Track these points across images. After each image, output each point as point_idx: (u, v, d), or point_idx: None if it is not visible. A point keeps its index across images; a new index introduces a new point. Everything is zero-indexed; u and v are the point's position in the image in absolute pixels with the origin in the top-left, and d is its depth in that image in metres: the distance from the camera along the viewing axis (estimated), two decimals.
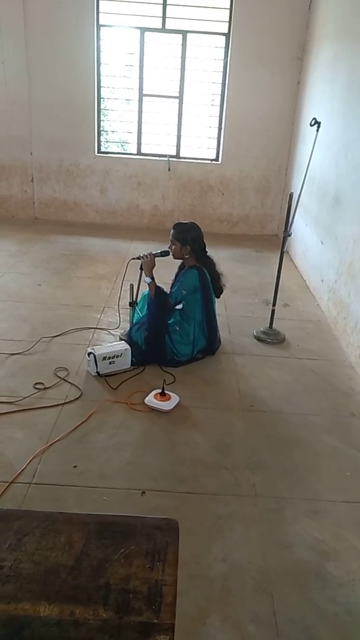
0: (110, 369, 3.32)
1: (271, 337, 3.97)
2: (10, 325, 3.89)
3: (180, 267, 3.68)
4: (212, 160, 6.70)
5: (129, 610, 1.10)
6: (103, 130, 6.69)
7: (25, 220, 6.81)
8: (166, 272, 3.79)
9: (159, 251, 3.53)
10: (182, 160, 6.66)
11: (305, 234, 5.36)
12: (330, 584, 2.00)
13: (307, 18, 5.87)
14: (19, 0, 5.88)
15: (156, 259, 3.50)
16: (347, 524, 2.30)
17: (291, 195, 3.76)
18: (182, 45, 6.12)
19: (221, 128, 6.52)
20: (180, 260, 3.62)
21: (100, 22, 6.08)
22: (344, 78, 4.47)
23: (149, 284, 3.49)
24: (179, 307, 3.53)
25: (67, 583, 1.16)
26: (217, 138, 6.61)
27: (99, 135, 6.64)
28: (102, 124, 6.62)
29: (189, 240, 3.44)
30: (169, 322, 3.52)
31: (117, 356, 3.33)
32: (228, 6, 5.98)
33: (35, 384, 3.16)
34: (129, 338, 3.54)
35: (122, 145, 6.97)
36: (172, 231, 3.49)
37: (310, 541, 2.19)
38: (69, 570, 1.19)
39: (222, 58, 6.22)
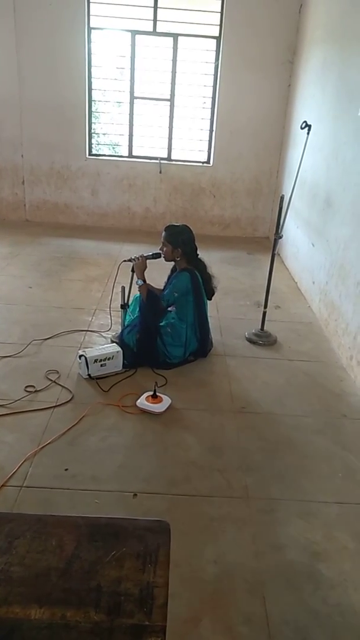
0: (102, 371, 3.31)
1: (263, 339, 3.97)
2: (1, 328, 3.87)
3: (173, 270, 3.68)
4: (203, 162, 6.71)
5: (120, 613, 1.10)
6: (94, 133, 6.69)
7: (16, 222, 6.79)
8: (158, 275, 3.79)
9: (150, 253, 3.53)
10: (173, 162, 6.67)
11: (296, 236, 5.38)
12: (322, 585, 2.00)
13: (298, 22, 5.91)
14: (9, 3, 5.87)
15: (148, 261, 3.51)
16: (339, 525, 2.30)
17: (282, 198, 3.77)
18: (173, 48, 6.14)
19: (212, 130, 6.54)
20: (172, 263, 3.62)
21: (91, 25, 6.09)
22: (333, 81, 4.50)
23: (140, 287, 3.49)
24: (171, 309, 3.53)
25: (58, 586, 1.15)
26: (209, 140, 6.63)
27: (90, 137, 6.64)
28: (93, 126, 6.62)
29: (181, 242, 3.45)
30: (161, 324, 3.52)
31: (109, 358, 3.32)
32: (219, 10, 6.01)
33: (26, 386, 3.14)
34: (121, 340, 3.53)
35: (113, 148, 6.97)
36: (163, 233, 3.49)
37: (303, 542, 2.20)
38: (60, 573, 1.18)
39: (213, 61, 6.25)
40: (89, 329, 3.96)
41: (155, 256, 3.53)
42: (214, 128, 6.49)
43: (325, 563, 2.10)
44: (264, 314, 4.05)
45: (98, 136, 6.79)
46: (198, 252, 3.58)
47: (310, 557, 2.13)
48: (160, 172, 6.62)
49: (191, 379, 3.41)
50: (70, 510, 2.25)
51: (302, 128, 4.07)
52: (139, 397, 3.06)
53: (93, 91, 6.44)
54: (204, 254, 3.68)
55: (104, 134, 6.83)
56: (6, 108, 6.31)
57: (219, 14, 6.03)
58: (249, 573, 2.03)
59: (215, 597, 1.92)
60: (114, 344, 3.53)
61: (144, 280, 3.49)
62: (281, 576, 2.03)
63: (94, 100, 6.52)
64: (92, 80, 6.37)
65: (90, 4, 6.00)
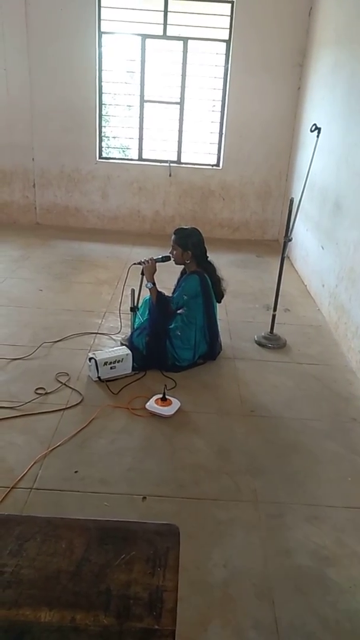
0: (112, 374, 3.32)
1: (272, 342, 3.97)
2: (12, 331, 3.90)
3: (182, 273, 3.69)
4: (212, 165, 6.72)
5: (129, 616, 1.10)
6: (104, 136, 6.72)
7: (26, 225, 6.84)
8: (167, 277, 3.80)
9: (160, 256, 3.54)
10: (183, 165, 6.68)
11: (305, 239, 5.37)
12: (331, 591, 1.99)
13: (308, 24, 5.90)
14: (21, 8, 5.93)
15: (157, 264, 3.52)
16: (348, 530, 2.29)
17: (292, 201, 3.77)
18: (183, 51, 6.15)
19: (222, 134, 6.54)
20: (182, 266, 3.63)
21: (102, 29, 6.12)
22: (344, 84, 4.49)
23: (150, 289, 3.50)
24: (180, 312, 3.54)
25: (68, 589, 1.16)
26: (218, 144, 6.63)
27: (100, 141, 6.67)
28: (103, 129, 6.65)
29: (190, 245, 3.46)
30: (170, 327, 3.53)
31: (118, 361, 3.34)
32: (228, 13, 6.02)
33: (37, 389, 3.16)
34: (130, 343, 3.55)
35: (123, 151, 7.00)
36: (173, 237, 3.50)
37: (311, 547, 2.19)
38: (70, 575, 1.19)
39: (223, 64, 6.25)
40: (99, 332, 3.97)
41: (165, 259, 3.54)
42: (224, 131, 6.49)
43: (334, 568, 2.10)
44: (273, 317, 4.04)
45: (108, 139, 6.82)
46: (207, 254, 3.59)
47: (319, 561, 2.12)
48: (170, 175, 6.64)
49: (200, 382, 3.41)
50: (80, 512, 2.26)
51: (311, 131, 4.06)
52: (149, 399, 3.07)
53: (103, 95, 6.47)
54: (213, 257, 3.68)
55: (114, 137, 6.86)
56: (17, 112, 6.36)
57: (228, 18, 6.04)
58: (257, 577, 2.03)
59: (224, 601, 1.92)
60: (124, 346, 3.54)
61: (154, 283, 3.50)
62: (290, 581, 2.03)
63: (104, 104, 6.55)
64: (103, 83, 6.40)
65: (101, 8, 6.03)
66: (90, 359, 3.31)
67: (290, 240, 3.88)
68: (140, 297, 3.66)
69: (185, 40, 6.11)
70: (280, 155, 6.54)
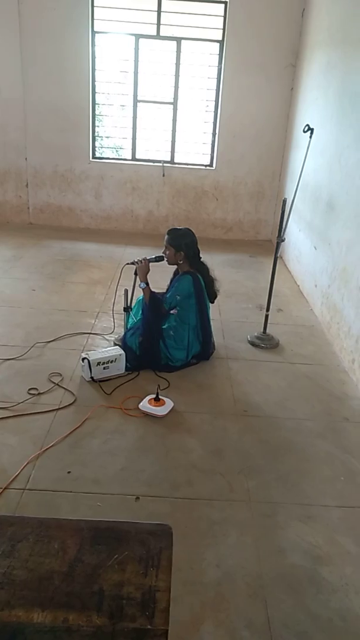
0: (105, 374, 3.32)
1: (265, 342, 3.98)
2: (5, 331, 3.89)
3: (175, 273, 3.69)
4: (206, 166, 6.72)
5: (122, 617, 1.10)
6: (98, 136, 6.71)
7: (19, 225, 6.81)
8: (161, 278, 3.80)
9: (153, 256, 3.54)
10: (176, 165, 6.68)
11: (298, 239, 5.38)
12: (324, 589, 2.00)
13: (301, 25, 5.92)
14: (14, 7, 5.90)
15: (151, 264, 3.52)
16: (341, 529, 2.30)
17: (285, 201, 3.78)
18: (176, 52, 6.15)
19: (215, 134, 6.55)
20: (175, 266, 3.63)
21: (95, 29, 6.11)
22: (337, 84, 4.51)
23: (143, 289, 3.50)
24: (173, 312, 3.54)
25: (61, 589, 1.16)
26: (211, 144, 6.64)
27: (94, 140, 6.66)
28: (96, 129, 6.64)
29: (183, 245, 3.46)
30: (163, 327, 3.53)
31: (112, 361, 3.33)
32: (222, 14, 6.03)
33: (29, 389, 3.15)
34: (123, 343, 3.54)
35: (116, 151, 6.99)
36: (166, 237, 3.50)
37: (304, 546, 2.20)
38: (63, 576, 1.19)
39: (216, 65, 6.26)
40: (92, 332, 3.96)
41: (158, 259, 3.54)
42: (217, 131, 6.50)
43: (326, 567, 2.10)
44: (266, 317, 4.05)
45: (101, 139, 6.80)
46: (201, 255, 3.59)
47: (312, 561, 2.13)
48: (164, 175, 6.64)
49: (193, 382, 3.41)
50: (73, 513, 2.25)
51: (304, 131, 4.08)
52: (142, 400, 3.07)
53: (97, 94, 6.46)
54: (207, 257, 3.68)
55: (107, 137, 6.85)
56: (10, 111, 6.33)
57: (222, 18, 6.04)
58: (250, 577, 2.03)
59: (217, 600, 1.93)
60: (117, 346, 3.54)
61: (147, 283, 3.50)
62: (283, 580, 2.03)
63: (98, 104, 6.54)
64: (96, 83, 6.39)
65: (95, 8, 6.02)
66: (83, 359, 3.30)
67: (283, 240, 3.89)
68: (134, 297, 3.66)
69: (178, 40, 6.11)
70: (274, 156, 6.55)
